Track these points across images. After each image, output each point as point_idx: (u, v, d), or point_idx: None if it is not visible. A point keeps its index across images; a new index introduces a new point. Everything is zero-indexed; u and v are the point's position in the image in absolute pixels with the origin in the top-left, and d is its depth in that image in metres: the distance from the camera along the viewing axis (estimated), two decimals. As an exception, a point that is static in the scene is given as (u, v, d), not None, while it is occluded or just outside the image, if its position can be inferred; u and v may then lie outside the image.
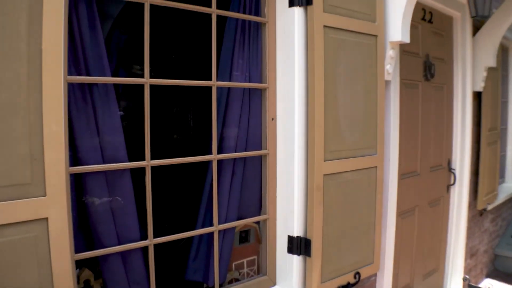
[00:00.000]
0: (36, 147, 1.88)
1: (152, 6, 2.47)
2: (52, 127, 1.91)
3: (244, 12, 2.97)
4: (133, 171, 2.53)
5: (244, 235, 3.14)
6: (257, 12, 3.03)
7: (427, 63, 4.24)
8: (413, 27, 3.96)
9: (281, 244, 3.06)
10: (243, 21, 2.99)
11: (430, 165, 4.45)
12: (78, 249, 2.29)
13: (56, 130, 1.93)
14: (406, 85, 3.93)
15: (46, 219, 1.92)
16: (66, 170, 2.00)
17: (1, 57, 1.78)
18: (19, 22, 1.82)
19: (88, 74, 2.33)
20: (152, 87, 2.49)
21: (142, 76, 2.47)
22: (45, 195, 1.91)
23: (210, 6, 2.74)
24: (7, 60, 1.79)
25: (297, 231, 2.96)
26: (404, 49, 3.83)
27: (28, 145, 1.85)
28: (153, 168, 2.53)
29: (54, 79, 1.91)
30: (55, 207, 1.94)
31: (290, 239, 3.00)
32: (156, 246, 2.58)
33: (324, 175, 2.94)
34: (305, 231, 2.97)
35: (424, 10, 4.13)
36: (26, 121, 1.84)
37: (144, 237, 2.55)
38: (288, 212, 3.01)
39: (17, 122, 1.82)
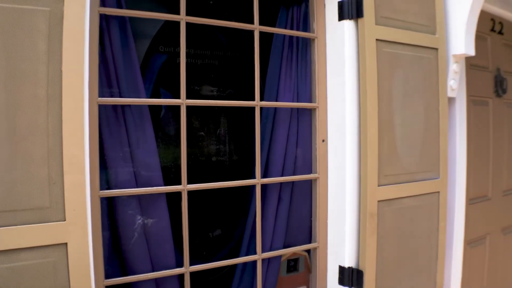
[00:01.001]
0: (55, 170, 1.82)
1: (201, 26, 2.39)
2: (72, 150, 1.84)
3: (292, 28, 2.83)
4: (175, 194, 2.42)
5: (293, 263, 2.95)
6: (306, 27, 2.88)
7: (498, 77, 3.89)
8: (481, 39, 3.67)
9: (332, 275, 2.85)
10: (291, 37, 2.84)
11: (503, 189, 4.06)
12: (111, 274, 2.25)
13: (77, 154, 1.86)
14: (474, 102, 3.62)
15: (65, 244, 1.85)
16: (88, 194, 1.93)
17: (19, 79, 1.75)
18: (38, 44, 1.78)
19: (121, 96, 2.25)
20: (198, 107, 2.39)
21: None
22: (64, 220, 1.84)
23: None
24: (25, 82, 1.76)
25: (348, 262, 2.74)
26: (470, 63, 3.52)
27: (47, 168, 1.80)
28: (196, 192, 2.42)
29: (74, 101, 1.85)
30: (75, 232, 1.87)
31: (341, 269, 2.78)
32: (197, 273, 2.46)
33: (378, 201, 2.71)
34: (357, 262, 2.74)
35: (493, 20, 3.81)
36: (44, 143, 1.79)
37: (181, 263, 2.43)
38: (340, 241, 2.80)
39: (35, 145, 1.78)
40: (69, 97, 1.83)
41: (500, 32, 3.91)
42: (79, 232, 1.88)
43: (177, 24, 2.36)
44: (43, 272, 1.81)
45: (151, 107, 2.41)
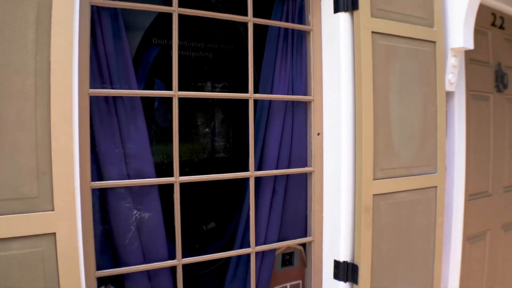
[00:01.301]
0: (43, 160, 1.82)
1: (195, 18, 2.40)
2: (61, 140, 1.84)
3: (287, 20, 2.81)
4: (169, 187, 2.42)
5: (288, 257, 2.93)
6: (301, 20, 2.86)
7: (498, 72, 3.85)
8: (482, 33, 3.63)
9: (327, 269, 2.84)
10: (286, 29, 2.82)
11: (504, 185, 4.02)
12: (104, 265, 2.26)
13: (65, 144, 1.86)
14: (474, 97, 3.58)
15: (54, 234, 1.86)
16: (77, 184, 1.94)
17: (7, 70, 1.75)
18: (26, 34, 1.79)
19: (113, 88, 2.25)
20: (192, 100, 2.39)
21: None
22: (53, 210, 1.85)
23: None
24: (13, 72, 1.76)
25: (343, 256, 2.72)
26: (470, 58, 3.49)
27: (35, 158, 1.81)
28: (190, 185, 2.41)
29: (63, 92, 1.86)
30: (64, 222, 1.87)
31: (336, 264, 2.76)
32: (191, 266, 2.46)
33: (374, 195, 2.69)
34: (353, 256, 2.72)
35: (494, 15, 3.77)
36: (32, 134, 1.80)
37: (174, 256, 2.42)
38: (335, 235, 2.78)
39: (23, 135, 1.78)
40: (58, 87, 1.83)
41: (501, 27, 3.87)
42: (68, 222, 1.88)
43: (170, 16, 2.35)
44: (31, 262, 1.82)
45: (144, 100, 2.40)
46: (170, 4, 2.34)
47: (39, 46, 1.81)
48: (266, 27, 2.82)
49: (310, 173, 2.86)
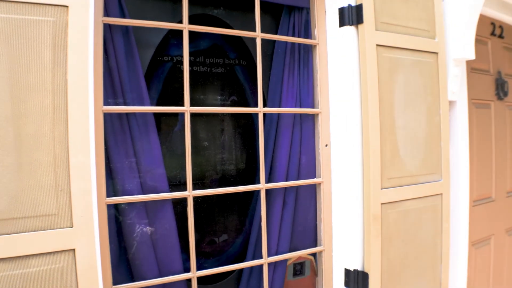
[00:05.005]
0: (61, 178, 1.85)
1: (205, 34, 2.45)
2: (79, 157, 1.88)
3: (293, 35, 2.87)
4: (182, 201, 2.45)
5: (299, 267, 2.98)
6: (307, 34, 2.92)
7: (499, 80, 3.93)
8: (482, 42, 3.70)
9: (338, 278, 2.87)
10: (293, 43, 2.88)
11: (507, 190, 4.08)
12: (119, 279, 2.29)
13: (83, 161, 1.89)
14: (476, 105, 3.65)
15: (73, 250, 1.88)
16: (95, 201, 1.97)
17: (25, 89, 1.79)
18: (43, 54, 1.82)
19: (126, 104, 2.30)
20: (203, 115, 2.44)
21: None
22: (72, 226, 1.88)
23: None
24: (31, 92, 1.80)
25: (354, 264, 2.77)
26: (472, 67, 3.56)
27: (53, 176, 1.83)
28: (202, 199, 2.46)
29: (80, 110, 1.89)
30: (83, 239, 1.90)
31: (347, 272, 2.80)
32: (204, 278, 2.50)
33: (382, 204, 2.74)
34: (363, 264, 2.77)
35: (493, 24, 3.84)
36: (51, 152, 1.83)
37: (188, 268, 2.46)
38: (345, 244, 2.82)
39: (42, 153, 1.81)
40: (75, 105, 1.87)
41: (500, 36, 3.95)
42: (87, 238, 1.91)
43: (181, 32, 2.42)
44: (51, 278, 1.84)
45: (156, 115, 2.46)
46: (180, 17, 2.40)
47: (56, 65, 1.84)
48: (273, 41, 2.88)
49: (319, 184, 2.91)
